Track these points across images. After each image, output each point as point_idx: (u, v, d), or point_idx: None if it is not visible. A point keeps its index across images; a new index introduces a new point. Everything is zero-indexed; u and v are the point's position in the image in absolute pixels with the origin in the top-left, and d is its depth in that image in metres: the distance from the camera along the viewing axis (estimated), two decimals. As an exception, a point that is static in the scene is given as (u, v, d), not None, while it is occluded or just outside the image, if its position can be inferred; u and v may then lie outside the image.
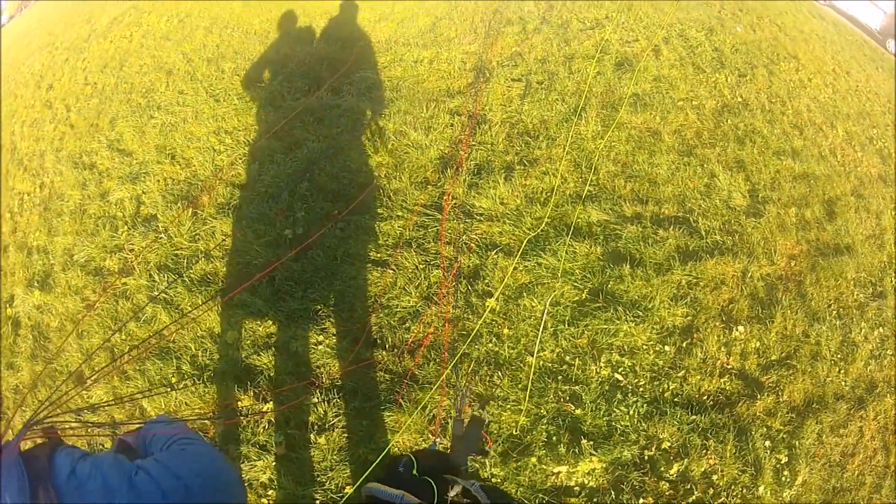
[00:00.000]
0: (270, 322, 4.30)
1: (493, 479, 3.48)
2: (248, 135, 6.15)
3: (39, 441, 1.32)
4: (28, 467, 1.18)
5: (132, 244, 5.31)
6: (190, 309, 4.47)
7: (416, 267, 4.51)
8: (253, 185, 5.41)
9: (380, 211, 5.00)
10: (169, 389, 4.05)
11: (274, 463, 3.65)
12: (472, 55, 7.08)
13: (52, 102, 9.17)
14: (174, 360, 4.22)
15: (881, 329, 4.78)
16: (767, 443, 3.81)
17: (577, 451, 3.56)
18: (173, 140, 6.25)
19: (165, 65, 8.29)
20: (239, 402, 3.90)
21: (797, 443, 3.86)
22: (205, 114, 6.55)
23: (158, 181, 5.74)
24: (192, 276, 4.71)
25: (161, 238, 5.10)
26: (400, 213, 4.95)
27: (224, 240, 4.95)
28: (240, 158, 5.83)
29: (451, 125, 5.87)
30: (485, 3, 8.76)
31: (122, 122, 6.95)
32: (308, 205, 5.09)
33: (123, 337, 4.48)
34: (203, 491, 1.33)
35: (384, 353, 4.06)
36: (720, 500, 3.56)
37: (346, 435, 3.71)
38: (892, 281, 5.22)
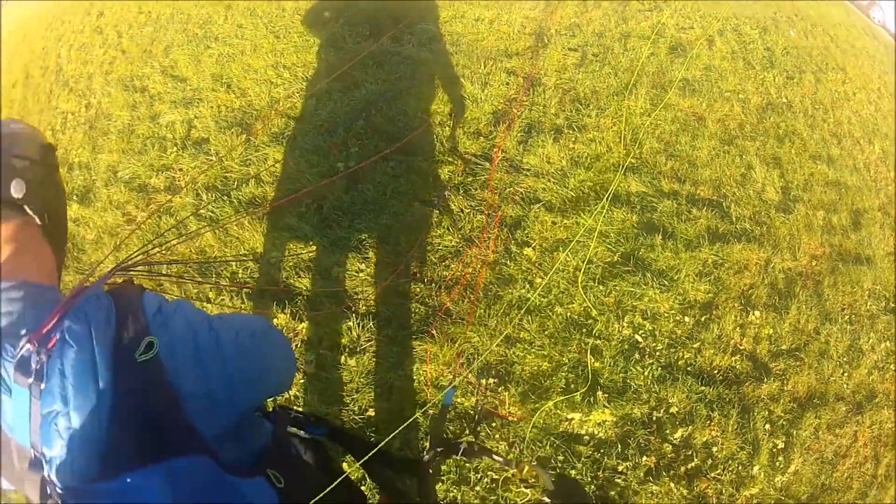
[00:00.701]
0: (314, 247, 4.46)
1: (511, 417, 3.66)
2: (306, 71, 6.23)
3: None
4: (117, 300, 1.25)
5: (181, 164, 5.43)
6: (233, 219, 4.63)
7: (462, 210, 4.66)
8: (309, 119, 5.51)
9: (431, 154, 5.14)
10: (205, 303, 4.22)
11: (302, 380, 3.84)
12: (531, 20, 7.14)
13: (102, 28, 9.14)
14: (213, 276, 4.40)
15: (888, 343, 4.93)
16: (767, 426, 3.98)
17: (591, 400, 3.75)
18: (230, 70, 6.33)
19: (224, -1, 8.38)
20: (275, 320, 4.07)
21: (795, 432, 4.04)
22: (264, 48, 6.62)
23: (212, 108, 5.85)
24: (240, 197, 4.87)
25: (212, 160, 5.23)
26: (451, 159, 5.09)
27: (275, 166, 5.09)
28: (297, 93, 5.92)
29: (507, 84, 5.97)
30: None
31: (178, 50, 7.02)
32: (362, 142, 5.21)
33: (163, 251, 4.66)
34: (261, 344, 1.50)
35: (422, 285, 4.23)
36: (716, 472, 3.74)
37: (375, 360, 3.89)
38: (906, 300, 5.40)
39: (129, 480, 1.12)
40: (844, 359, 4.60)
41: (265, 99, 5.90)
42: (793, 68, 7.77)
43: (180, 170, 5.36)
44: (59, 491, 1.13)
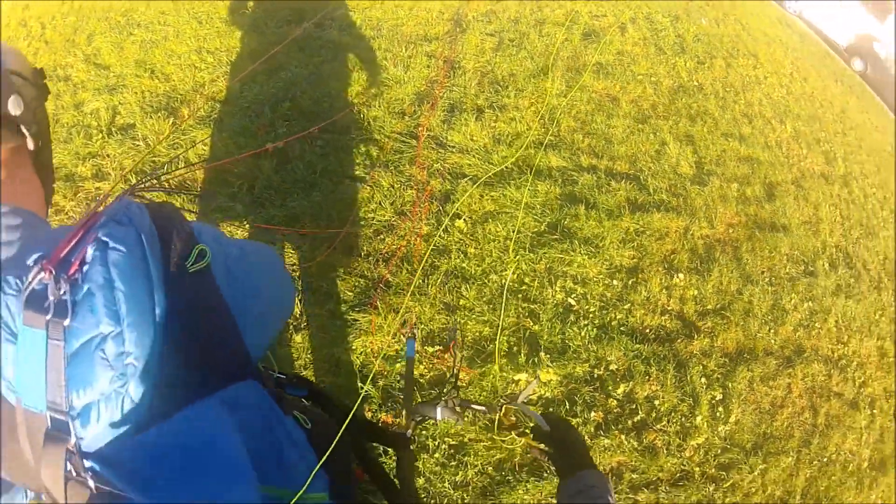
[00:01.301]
0: (248, 226, 4.42)
1: (459, 383, 3.70)
2: (230, 56, 6.18)
3: None
4: (155, 210, 1.05)
5: (107, 151, 5.29)
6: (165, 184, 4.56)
7: (392, 186, 4.68)
8: (235, 102, 5.46)
9: (358, 133, 5.16)
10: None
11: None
12: (449, 7, 7.22)
13: (26, 21, 8.83)
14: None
15: (810, 303, 5.19)
16: (703, 380, 4.13)
17: (535, 360, 3.83)
18: (153, 56, 6.21)
19: (146, -14, 8.27)
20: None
21: (730, 384, 4.19)
22: (186, 34, 6.53)
23: (136, 94, 5.72)
24: (170, 181, 4.79)
25: (139, 145, 5.12)
26: (378, 138, 5.11)
27: (204, 148, 5.02)
28: (222, 76, 5.89)
29: (428, 66, 6.03)
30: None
31: (100, 38, 6.84)
32: (289, 122, 5.19)
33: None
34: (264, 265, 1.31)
35: (359, 259, 4.23)
36: (661, 424, 3.86)
37: (320, 334, 3.86)
38: (823, 265, 5.63)
39: (186, 415, 0.96)
40: (769, 317, 4.78)
41: (189, 83, 5.82)
42: (704, 54, 8.04)
43: (107, 156, 5.23)
44: (87, 464, 0.91)
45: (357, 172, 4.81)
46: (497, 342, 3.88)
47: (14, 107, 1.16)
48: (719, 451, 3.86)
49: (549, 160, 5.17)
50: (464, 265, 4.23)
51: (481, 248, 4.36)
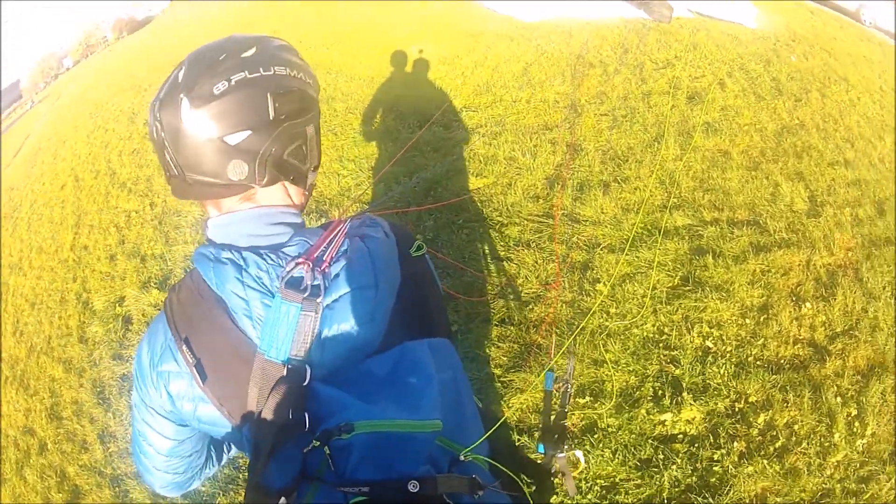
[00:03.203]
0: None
1: (609, 429, 3.90)
2: (369, 162, 6.68)
3: None
4: (388, 220, 1.47)
5: None
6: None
7: (536, 262, 5.04)
8: (381, 202, 5.89)
9: (499, 219, 5.56)
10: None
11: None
12: (563, 95, 7.62)
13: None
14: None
15: (931, 307, 5.13)
16: (838, 399, 4.13)
17: (678, 401, 4.01)
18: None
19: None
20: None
21: (864, 399, 4.17)
22: (324, 144, 7.12)
23: (281, 203, 6.30)
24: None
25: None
26: (517, 221, 5.50)
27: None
28: (365, 180, 6.34)
29: (553, 152, 6.43)
30: (567, 49, 9.34)
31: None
32: (434, 215, 5.59)
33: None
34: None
35: (512, 328, 4.56)
36: (801, 447, 3.87)
37: (479, 395, 4.12)
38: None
39: (402, 348, 1.25)
40: (895, 328, 4.76)
41: (335, 189, 6.28)
42: (799, 90, 8.05)
43: None
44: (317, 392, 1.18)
45: (502, 253, 5.18)
46: (611, 379, 4.15)
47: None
48: (858, 465, 3.83)
49: (674, 220, 5.42)
50: (607, 323, 4.50)
51: (622, 306, 4.64)
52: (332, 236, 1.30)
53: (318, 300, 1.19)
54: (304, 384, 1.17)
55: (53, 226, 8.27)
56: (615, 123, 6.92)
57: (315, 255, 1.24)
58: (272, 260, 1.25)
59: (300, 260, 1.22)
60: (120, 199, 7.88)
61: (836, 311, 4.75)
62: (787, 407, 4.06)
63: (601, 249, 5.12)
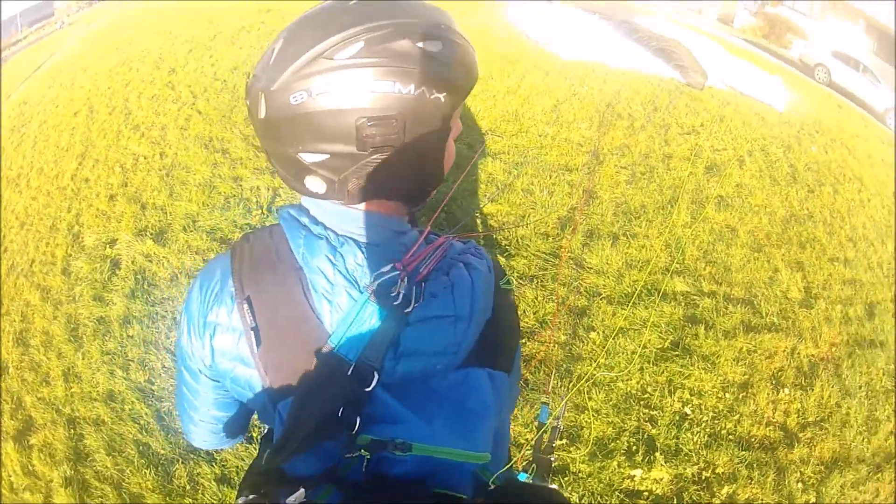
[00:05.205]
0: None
1: (580, 474, 4.01)
2: None
3: None
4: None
5: None
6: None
7: (536, 299, 5.19)
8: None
9: (508, 248, 5.72)
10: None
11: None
12: (588, 139, 7.84)
13: (174, 85, 9.41)
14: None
15: (902, 414, 5.32)
16: (800, 484, 4.28)
17: (650, 459, 4.14)
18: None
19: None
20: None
21: (824, 489, 4.32)
22: None
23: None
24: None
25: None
26: (524, 254, 5.65)
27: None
28: None
29: (569, 194, 6.62)
30: (599, 94, 9.57)
31: (259, 126, 7.59)
32: (443, 230, 5.61)
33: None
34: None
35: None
36: None
37: None
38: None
39: (469, 372, 1.20)
40: (864, 427, 4.91)
41: None
42: (813, 182, 8.32)
43: None
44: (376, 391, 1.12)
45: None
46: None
47: None
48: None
49: (674, 285, 5.59)
50: (595, 372, 4.62)
51: (611, 358, 4.80)
52: (432, 251, 1.22)
53: (407, 311, 1.12)
54: (368, 389, 1.10)
55: (59, 151, 8.26)
56: (633, 179, 7.14)
57: (413, 266, 1.16)
58: (369, 257, 1.17)
59: (398, 265, 1.14)
60: (131, 140, 7.87)
61: (811, 401, 4.93)
62: (750, 484, 4.21)
63: (600, 299, 5.29)
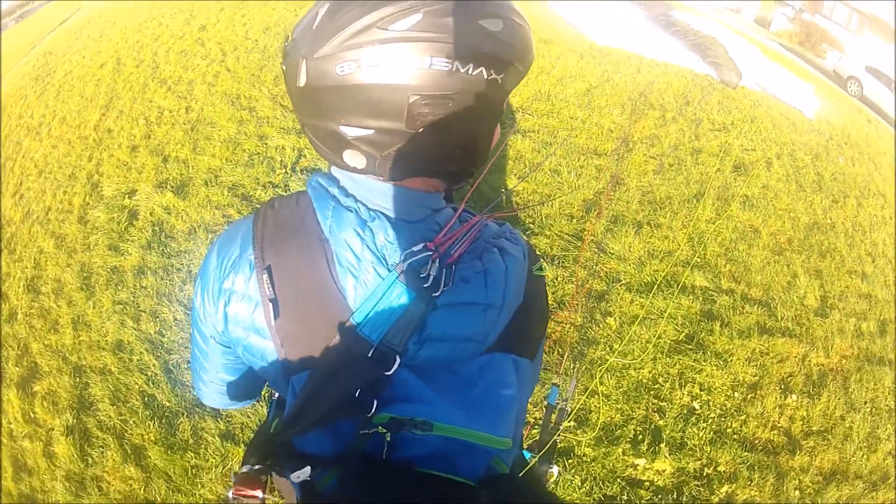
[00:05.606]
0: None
1: (584, 458, 4.03)
2: None
3: None
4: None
5: (289, 187, 5.67)
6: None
7: (556, 279, 5.19)
8: None
9: (532, 227, 5.69)
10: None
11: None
12: (618, 126, 7.77)
13: (204, 41, 9.36)
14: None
15: (903, 434, 5.33)
16: (797, 492, 4.29)
17: (655, 450, 4.15)
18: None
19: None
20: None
21: (820, 500, 4.34)
22: None
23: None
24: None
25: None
26: (547, 234, 5.63)
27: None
28: None
29: (596, 178, 6.57)
30: (632, 83, 9.49)
31: (288, 84, 7.56)
32: (470, 205, 5.68)
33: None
34: None
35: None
36: None
37: None
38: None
39: (493, 357, 1.15)
40: (864, 444, 4.90)
41: None
42: (838, 192, 8.24)
43: (287, 189, 5.57)
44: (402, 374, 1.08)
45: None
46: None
47: None
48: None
49: (693, 278, 5.56)
50: (608, 358, 4.64)
51: (625, 345, 4.78)
52: (466, 232, 1.16)
53: (436, 295, 1.07)
54: (388, 373, 1.06)
55: (83, 101, 8.25)
56: (661, 169, 7.09)
57: (445, 247, 1.11)
58: (400, 234, 1.11)
59: (430, 245, 1.09)
60: (157, 93, 7.84)
61: (817, 410, 4.92)
62: (750, 485, 4.21)
63: (620, 285, 5.27)
